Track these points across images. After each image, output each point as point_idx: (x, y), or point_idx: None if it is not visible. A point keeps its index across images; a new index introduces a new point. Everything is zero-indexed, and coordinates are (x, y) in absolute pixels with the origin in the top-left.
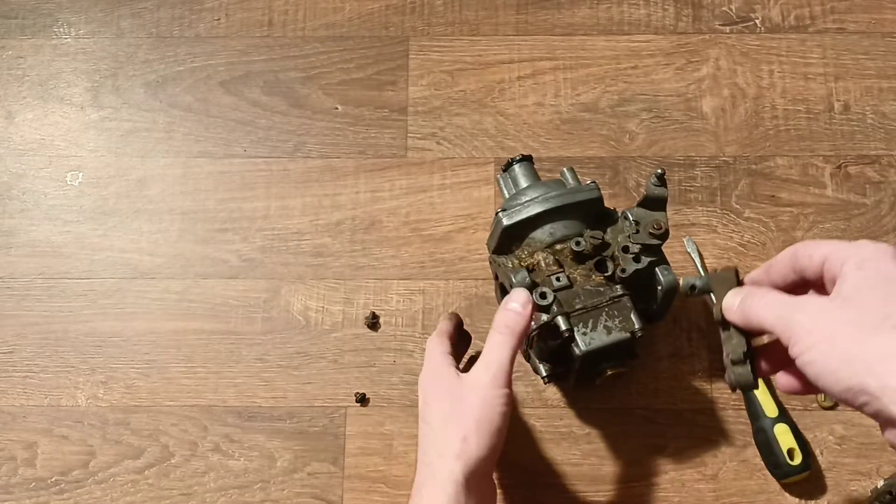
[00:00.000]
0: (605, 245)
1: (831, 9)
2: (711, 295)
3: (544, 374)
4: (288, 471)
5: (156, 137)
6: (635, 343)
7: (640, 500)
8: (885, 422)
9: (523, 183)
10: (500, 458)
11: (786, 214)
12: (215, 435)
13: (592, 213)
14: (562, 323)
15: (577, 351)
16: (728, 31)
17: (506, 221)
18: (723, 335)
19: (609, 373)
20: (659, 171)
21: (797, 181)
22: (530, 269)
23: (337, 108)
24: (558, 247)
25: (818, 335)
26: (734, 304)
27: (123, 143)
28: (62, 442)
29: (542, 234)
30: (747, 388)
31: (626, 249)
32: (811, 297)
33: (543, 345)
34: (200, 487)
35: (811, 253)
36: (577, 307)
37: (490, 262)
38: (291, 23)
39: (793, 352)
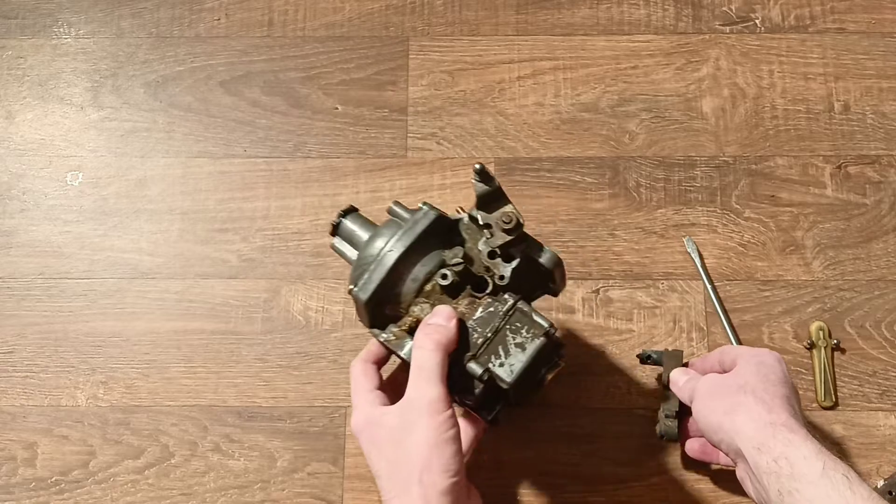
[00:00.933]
0: (469, 260)
1: (831, 9)
2: (662, 367)
3: (489, 418)
4: (288, 471)
5: (156, 137)
6: (555, 338)
7: (640, 500)
8: (734, 456)
9: (362, 236)
10: (498, 458)
11: (786, 214)
12: (215, 435)
13: (441, 233)
14: (476, 368)
15: (504, 385)
16: (728, 31)
17: (363, 297)
18: (664, 395)
19: (549, 377)
20: (476, 166)
21: (797, 181)
22: (413, 329)
23: (337, 108)
24: (427, 288)
25: (705, 394)
26: (680, 381)
27: (123, 143)
28: (62, 442)
29: (407, 285)
30: (672, 440)
31: (492, 255)
32: (711, 374)
33: (472, 396)
34: (200, 487)
35: (730, 353)
36: (479, 342)
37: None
38: (291, 23)
39: (692, 407)
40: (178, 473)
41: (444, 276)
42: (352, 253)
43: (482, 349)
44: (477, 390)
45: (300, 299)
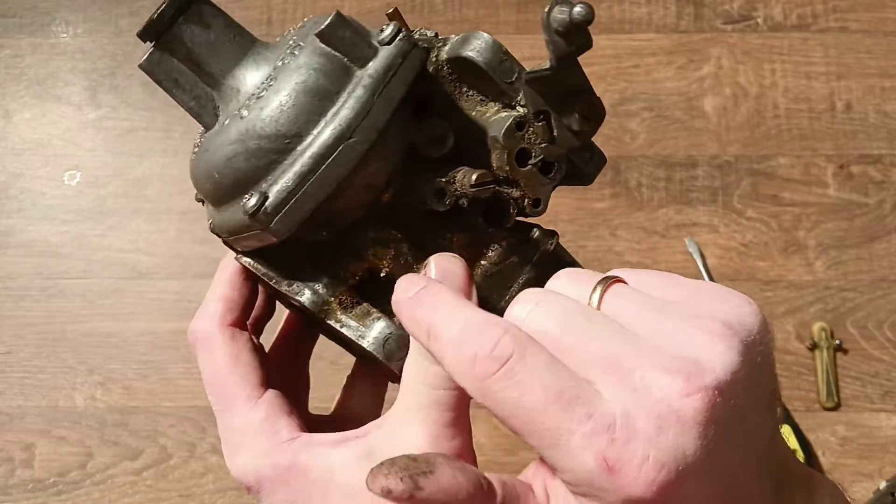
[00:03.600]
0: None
1: (833, 7)
2: None
3: None
4: None
5: (154, 137)
6: None
7: None
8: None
9: (245, 74)
10: (498, 459)
11: (788, 214)
12: (214, 436)
13: (412, 98)
14: None
15: None
16: (730, 30)
17: (285, 225)
18: None
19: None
20: (579, 9)
21: (799, 181)
22: (372, 290)
23: None
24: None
25: None
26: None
27: (121, 142)
28: (60, 443)
29: (356, 196)
30: None
31: (523, 159)
32: None
33: None
34: (199, 489)
35: None
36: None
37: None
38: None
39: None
40: (177, 475)
41: (441, 194)
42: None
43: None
44: None
45: None
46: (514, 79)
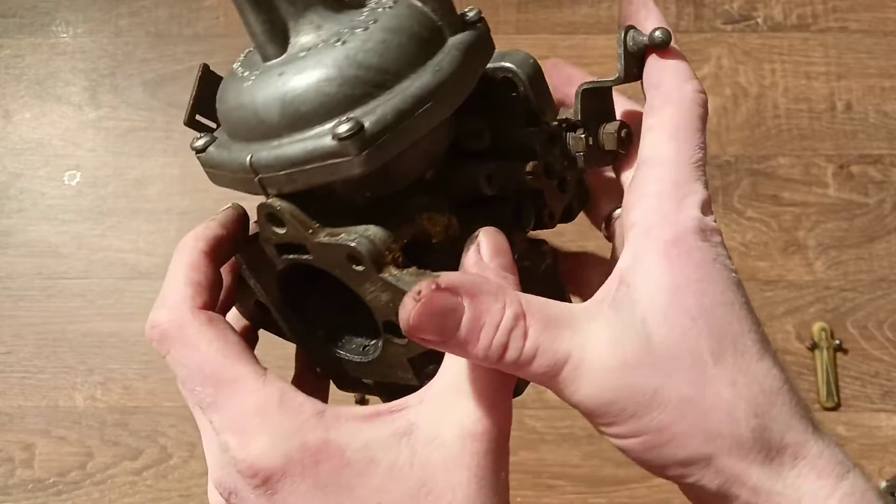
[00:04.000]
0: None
1: (833, 7)
2: None
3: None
4: None
5: (154, 137)
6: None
7: (642, 501)
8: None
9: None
10: None
11: (788, 214)
12: None
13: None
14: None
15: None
16: (730, 30)
17: (378, 158)
18: None
19: None
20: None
21: (799, 181)
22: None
23: None
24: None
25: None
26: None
27: (121, 142)
28: (60, 443)
29: (413, 163)
30: None
31: (550, 172)
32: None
33: None
34: (199, 489)
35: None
36: None
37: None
38: None
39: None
40: (177, 475)
41: (490, 178)
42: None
43: None
44: None
45: None
46: (545, 100)
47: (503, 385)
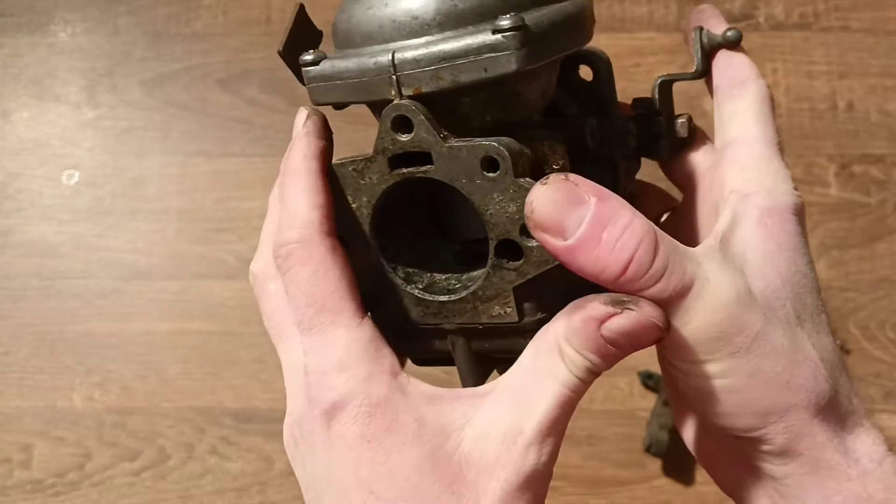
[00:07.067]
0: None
1: (835, 6)
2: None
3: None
4: (286, 473)
5: (152, 136)
6: None
7: (643, 502)
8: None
9: None
10: None
11: None
12: (212, 437)
13: None
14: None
15: None
16: None
17: (531, 51)
18: (659, 407)
19: None
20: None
21: (801, 180)
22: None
23: None
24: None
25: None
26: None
27: (119, 142)
28: (58, 444)
29: (533, 100)
30: (659, 455)
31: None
32: None
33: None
34: (198, 490)
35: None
36: None
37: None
38: None
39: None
40: (175, 476)
41: (596, 133)
42: None
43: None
44: None
45: None
46: (614, 96)
47: (567, 402)
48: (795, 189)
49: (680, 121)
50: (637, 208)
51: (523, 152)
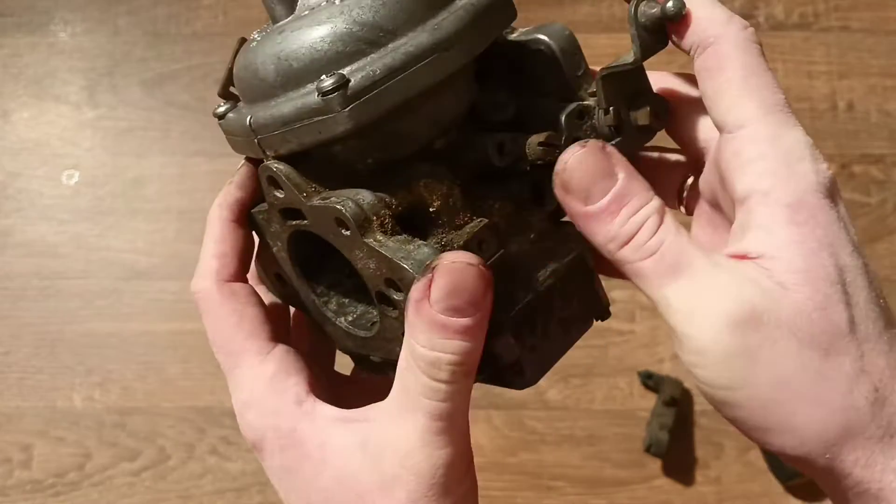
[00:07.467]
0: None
1: (835, 7)
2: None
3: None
4: None
5: (152, 136)
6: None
7: (642, 502)
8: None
9: None
10: (499, 460)
11: None
12: (212, 437)
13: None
14: (511, 349)
15: (519, 387)
16: None
17: (367, 113)
18: (660, 407)
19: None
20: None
21: None
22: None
23: None
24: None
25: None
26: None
27: (120, 142)
28: (58, 444)
29: (417, 125)
30: (659, 455)
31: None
32: None
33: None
34: (197, 490)
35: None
36: (521, 299)
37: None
38: None
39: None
40: (175, 476)
41: (502, 148)
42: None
43: (519, 313)
44: (483, 375)
45: None
46: (580, 73)
47: (450, 416)
48: (817, 158)
49: (641, 111)
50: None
51: (378, 207)
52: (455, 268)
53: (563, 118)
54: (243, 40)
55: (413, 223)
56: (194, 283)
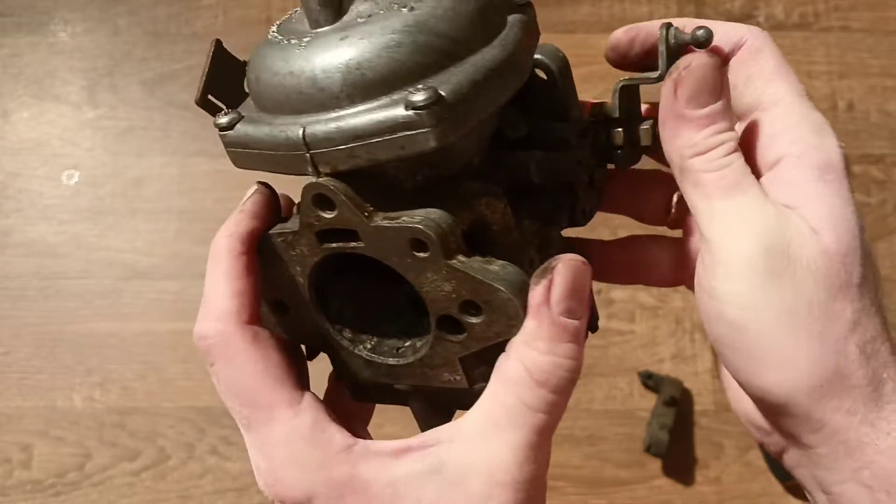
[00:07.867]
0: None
1: (835, 7)
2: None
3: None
4: None
5: (152, 136)
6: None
7: (643, 502)
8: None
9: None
10: None
11: None
12: (212, 437)
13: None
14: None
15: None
16: None
17: (465, 118)
18: (660, 407)
19: None
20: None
21: None
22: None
23: None
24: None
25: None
26: None
27: (120, 141)
28: (58, 444)
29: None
30: (659, 455)
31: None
32: None
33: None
34: (197, 490)
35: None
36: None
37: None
38: None
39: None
40: (175, 476)
41: (539, 167)
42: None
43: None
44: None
45: None
46: (571, 93)
47: (548, 431)
48: (837, 138)
49: (643, 127)
50: (605, 203)
51: (455, 227)
52: (575, 265)
53: (573, 139)
54: (220, 43)
55: (471, 242)
56: (205, 328)
